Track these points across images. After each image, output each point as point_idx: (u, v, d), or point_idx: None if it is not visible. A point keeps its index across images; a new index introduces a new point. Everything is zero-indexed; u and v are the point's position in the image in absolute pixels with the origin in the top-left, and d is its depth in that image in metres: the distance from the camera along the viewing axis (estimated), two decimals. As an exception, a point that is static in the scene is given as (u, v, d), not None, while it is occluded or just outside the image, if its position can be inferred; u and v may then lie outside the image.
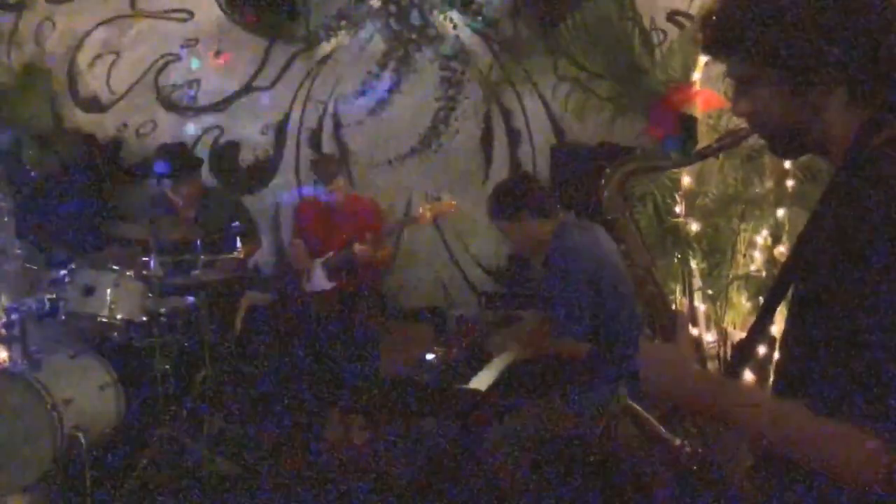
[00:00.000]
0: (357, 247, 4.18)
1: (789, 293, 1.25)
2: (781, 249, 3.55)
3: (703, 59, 3.85)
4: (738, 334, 3.89)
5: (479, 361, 3.01)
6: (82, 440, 3.30)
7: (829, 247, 1.11)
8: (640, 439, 1.42)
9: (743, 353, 1.35)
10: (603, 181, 1.47)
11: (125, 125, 5.30)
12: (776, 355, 1.32)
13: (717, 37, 1.22)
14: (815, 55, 1.13)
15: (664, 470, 1.47)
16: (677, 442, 1.35)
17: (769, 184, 3.69)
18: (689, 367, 1.25)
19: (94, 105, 5.35)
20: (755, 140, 1.36)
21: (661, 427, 1.41)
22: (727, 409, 1.18)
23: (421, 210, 4.24)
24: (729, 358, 1.34)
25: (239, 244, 3.92)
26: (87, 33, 5.31)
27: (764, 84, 1.19)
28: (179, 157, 4.38)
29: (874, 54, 1.13)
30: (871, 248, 1.04)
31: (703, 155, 1.69)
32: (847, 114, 1.16)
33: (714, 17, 1.21)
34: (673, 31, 4.11)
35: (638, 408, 1.50)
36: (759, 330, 1.31)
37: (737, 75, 1.23)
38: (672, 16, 4.24)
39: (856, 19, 1.12)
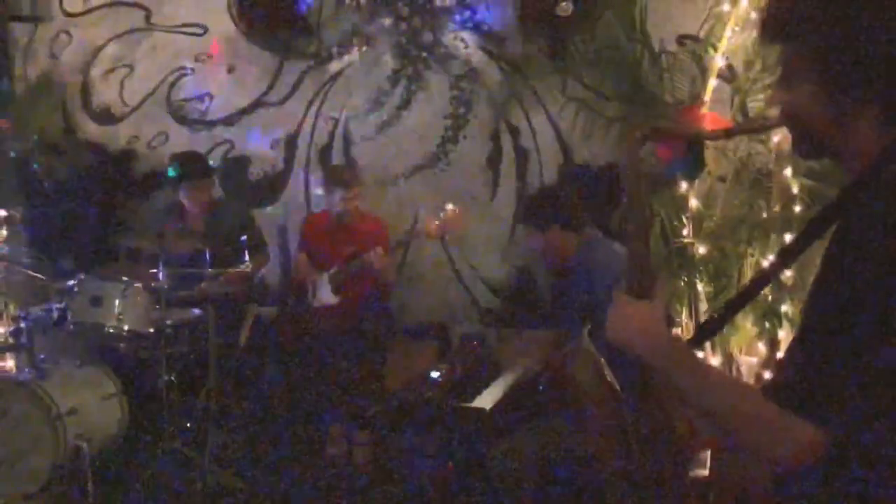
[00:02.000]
0: (371, 253, 4.16)
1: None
2: (788, 274, 3.55)
3: (711, 82, 3.88)
4: (745, 358, 3.88)
5: (484, 379, 3.01)
6: (85, 450, 3.31)
7: (840, 266, 1.13)
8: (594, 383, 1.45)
9: (703, 333, 1.41)
10: (630, 134, 1.45)
11: (137, 137, 5.34)
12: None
13: (776, 21, 1.22)
14: (860, 67, 1.13)
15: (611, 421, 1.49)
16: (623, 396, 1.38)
17: (776, 208, 3.69)
18: (657, 327, 1.28)
19: (106, 117, 5.41)
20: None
21: (611, 377, 1.49)
22: (682, 375, 1.23)
23: (427, 224, 4.23)
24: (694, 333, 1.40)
25: (247, 258, 3.94)
26: (102, 46, 5.37)
27: (806, 79, 1.19)
28: (194, 162, 4.43)
29: None
30: (886, 270, 1.05)
31: (730, 134, 1.70)
32: (874, 133, 1.16)
33: (777, 4, 1.22)
34: (682, 54, 4.12)
35: (594, 352, 1.54)
36: (724, 317, 1.36)
37: (783, 65, 1.24)
38: (681, 39, 4.26)
39: None
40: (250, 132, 5.18)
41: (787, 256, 1.32)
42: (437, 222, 4.16)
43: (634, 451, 1.44)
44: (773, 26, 1.23)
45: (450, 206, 4.17)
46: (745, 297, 1.38)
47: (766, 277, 1.39)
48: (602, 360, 1.57)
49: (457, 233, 4.41)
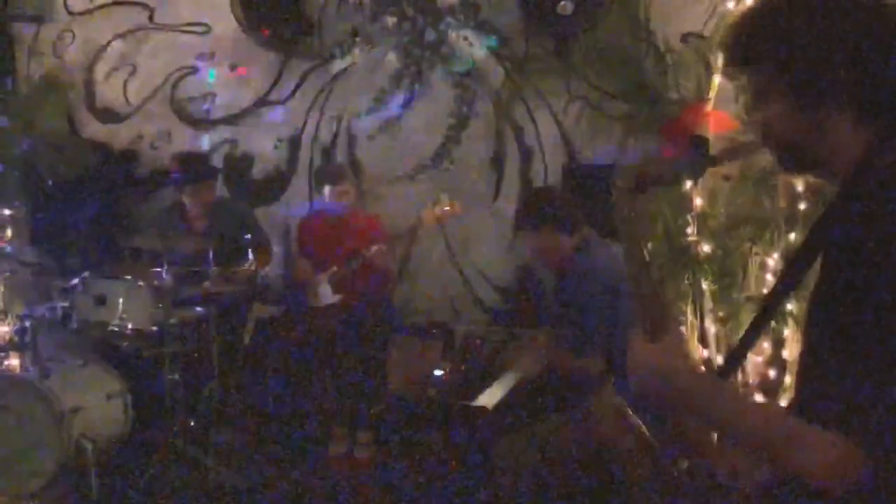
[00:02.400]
0: (373, 248, 4.18)
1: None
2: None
3: (716, 80, 3.86)
4: (750, 357, 3.87)
5: (486, 378, 3.00)
6: (89, 448, 3.31)
7: (835, 267, 1.15)
8: (625, 437, 1.44)
9: (731, 362, 1.40)
10: (616, 175, 1.44)
11: (140, 136, 5.35)
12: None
13: (735, 51, 1.27)
14: (825, 75, 1.17)
15: (646, 473, 1.47)
16: (658, 445, 1.38)
17: (781, 206, 3.67)
18: (677, 369, 1.26)
19: (110, 116, 5.41)
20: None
21: (644, 427, 1.46)
22: (713, 411, 1.22)
23: (424, 213, 4.25)
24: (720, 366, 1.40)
25: (251, 256, 3.94)
26: (105, 45, 5.38)
27: (775, 99, 1.23)
28: (196, 163, 4.44)
29: (882, 78, 1.17)
30: (877, 269, 1.07)
31: (715, 162, 1.72)
32: (853, 135, 1.19)
33: (733, 32, 1.27)
34: (686, 52, 4.10)
35: (622, 404, 1.55)
36: (747, 342, 1.37)
37: (751, 89, 1.27)
38: (685, 37, 4.24)
39: (866, 44, 1.16)
40: (253, 131, 5.18)
41: (795, 268, 1.30)
42: (433, 210, 4.16)
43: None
44: (735, 54, 1.27)
45: (445, 197, 4.21)
46: (765, 317, 1.38)
47: (780, 295, 1.36)
48: (630, 410, 1.55)
49: (453, 219, 4.41)
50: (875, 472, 1.07)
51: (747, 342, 1.39)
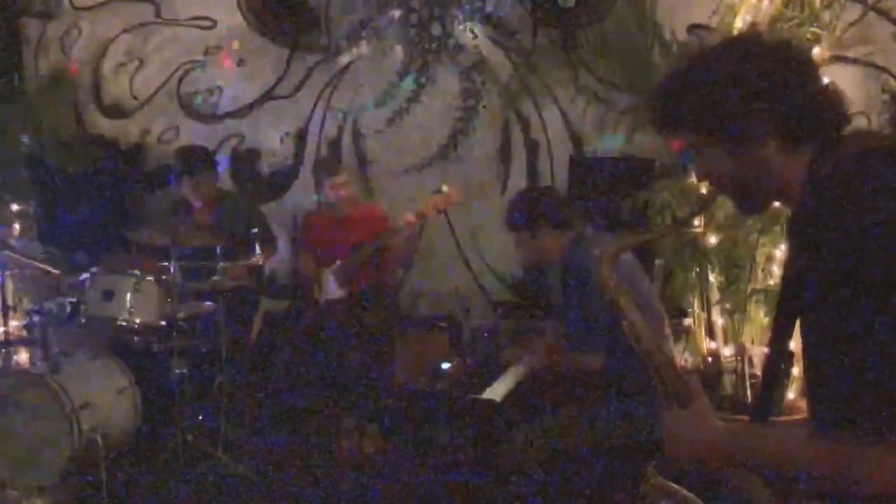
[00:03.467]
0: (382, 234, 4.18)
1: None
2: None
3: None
4: (757, 349, 3.86)
5: (494, 372, 3.00)
6: (99, 443, 3.33)
7: (805, 275, 1.17)
8: None
9: (768, 380, 1.42)
10: (598, 266, 1.56)
11: (148, 132, 5.36)
12: (794, 371, 1.36)
13: (661, 120, 1.39)
14: (743, 117, 1.28)
15: None
16: None
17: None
18: (711, 430, 1.32)
19: (117, 111, 5.42)
20: None
21: (693, 496, 1.50)
22: (763, 456, 1.26)
23: (425, 203, 4.25)
24: (754, 393, 1.45)
25: (258, 251, 3.95)
26: (112, 40, 5.39)
27: (711, 151, 1.34)
28: (194, 156, 4.44)
29: (795, 106, 1.27)
30: (835, 271, 1.12)
31: (680, 225, 1.80)
32: (787, 159, 1.29)
33: (654, 105, 1.39)
34: (693, 44, 4.09)
35: (668, 483, 1.56)
36: (775, 351, 1.37)
37: (687, 144, 1.38)
38: (692, 29, 4.23)
39: (774, 79, 1.27)
40: (260, 125, 5.19)
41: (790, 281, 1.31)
42: (431, 199, 4.17)
43: None
44: (662, 123, 1.40)
45: (445, 188, 4.22)
46: (780, 361, 1.39)
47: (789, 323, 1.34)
48: (679, 488, 1.57)
49: (461, 211, 4.41)
50: None
51: (773, 356, 1.41)
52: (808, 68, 1.31)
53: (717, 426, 1.33)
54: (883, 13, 3.70)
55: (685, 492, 1.51)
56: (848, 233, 1.12)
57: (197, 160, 4.40)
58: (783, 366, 1.41)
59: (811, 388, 1.22)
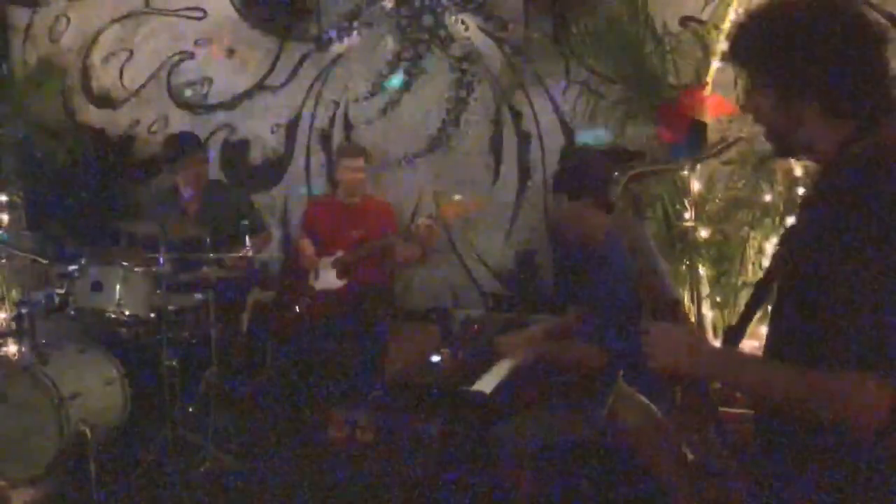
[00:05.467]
0: (390, 236, 4.21)
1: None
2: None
3: (714, 65, 3.84)
4: (747, 342, 3.87)
5: (485, 363, 3.00)
6: (88, 434, 3.32)
7: (812, 239, 1.32)
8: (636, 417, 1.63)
9: (729, 337, 1.54)
10: (614, 182, 1.69)
11: (137, 122, 5.33)
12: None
13: (732, 50, 1.52)
14: (800, 76, 1.39)
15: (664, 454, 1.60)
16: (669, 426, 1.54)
17: (779, 190, 3.67)
18: (698, 341, 1.47)
19: (106, 101, 5.39)
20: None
21: (650, 404, 1.64)
22: (743, 375, 1.39)
23: (437, 212, 4.30)
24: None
25: (248, 242, 3.93)
26: (101, 30, 5.35)
27: (762, 92, 1.46)
28: (185, 138, 4.45)
29: (849, 81, 1.37)
30: (846, 236, 1.25)
31: (699, 160, 2.13)
32: (828, 127, 1.40)
33: (734, 33, 1.52)
34: (685, 37, 4.08)
35: (633, 391, 1.73)
36: (746, 317, 1.52)
37: (744, 81, 1.51)
38: (684, 21, 4.21)
39: (836, 45, 1.37)
40: (251, 116, 5.16)
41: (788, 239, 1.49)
42: (454, 203, 4.23)
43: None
44: (732, 52, 1.52)
45: (458, 197, 4.29)
46: (762, 291, 1.50)
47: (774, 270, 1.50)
48: (644, 399, 1.66)
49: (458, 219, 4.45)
50: None
51: (744, 319, 1.53)
52: (879, 49, 1.39)
53: (704, 341, 1.49)
54: (876, 7, 3.69)
55: (645, 400, 1.65)
56: (860, 214, 1.25)
57: (187, 143, 4.38)
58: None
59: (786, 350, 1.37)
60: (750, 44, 1.46)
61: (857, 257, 1.23)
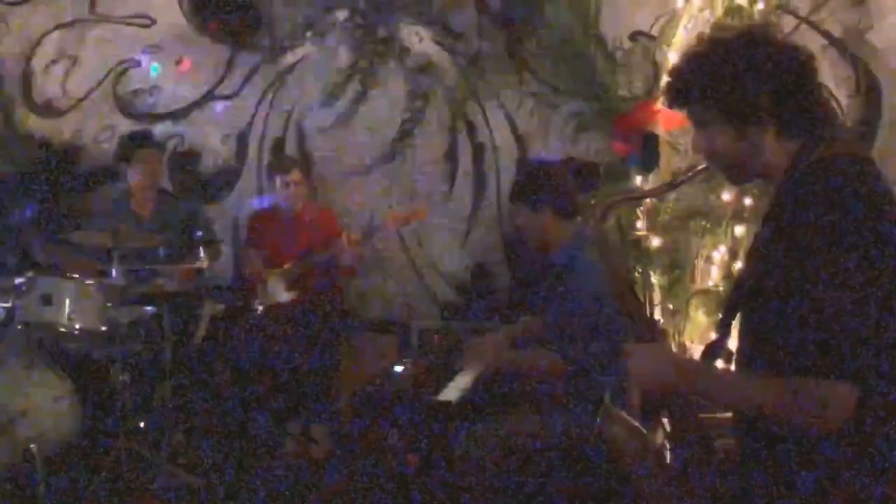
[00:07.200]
0: (337, 243, 4.14)
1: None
2: (739, 265, 3.65)
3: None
4: (698, 349, 3.98)
5: (448, 373, 3.01)
6: (36, 453, 3.22)
7: (773, 250, 1.39)
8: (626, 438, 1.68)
9: (708, 352, 1.61)
10: (591, 209, 1.80)
11: (82, 131, 5.19)
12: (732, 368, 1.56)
13: (676, 93, 1.57)
14: (751, 104, 1.46)
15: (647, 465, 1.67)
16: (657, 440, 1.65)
17: (727, 197, 3.78)
18: (674, 359, 1.61)
19: (50, 110, 5.23)
20: None
21: (641, 427, 1.71)
22: (715, 388, 1.48)
23: (389, 216, 4.27)
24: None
25: (202, 253, 3.87)
26: (44, 36, 5.20)
27: (714, 128, 1.52)
28: (138, 133, 4.48)
29: (795, 101, 1.47)
30: (807, 244, 1.33)
31: (673, 186, 2.43)
32: (780, 145, 1.48)
33: (672, 78, 1.57)
34: (635, 51, 4.19)
35: (621, 412, 1.77)
36: (721, 335, 1.59)
37: (693, 120, 1.56)
38: (635, 35, 4.32)
39: (780, 72, 1.46)
40: (201, 126, 5.08)
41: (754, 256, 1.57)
42: (397, 213, 4.18)
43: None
44: (676, 96, 1.57)
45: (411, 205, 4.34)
46: (733, 307, 1.58)
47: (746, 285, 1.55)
48: (629, 418, 1.76)
49: (414, 224, 4.46)
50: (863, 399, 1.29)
51: (719, 340, 1.61)
52: (812, 69, 1.49)
53: (680, 357, 1.72)
54: (814, 26, 3.86)
55: (634, 422, 1.72)
56: (808, 225, 1.34)
57: (142, 136, 4.31)
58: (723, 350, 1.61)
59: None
60: (698, 84, 1.51)
61: (819, 265, 1.30)
